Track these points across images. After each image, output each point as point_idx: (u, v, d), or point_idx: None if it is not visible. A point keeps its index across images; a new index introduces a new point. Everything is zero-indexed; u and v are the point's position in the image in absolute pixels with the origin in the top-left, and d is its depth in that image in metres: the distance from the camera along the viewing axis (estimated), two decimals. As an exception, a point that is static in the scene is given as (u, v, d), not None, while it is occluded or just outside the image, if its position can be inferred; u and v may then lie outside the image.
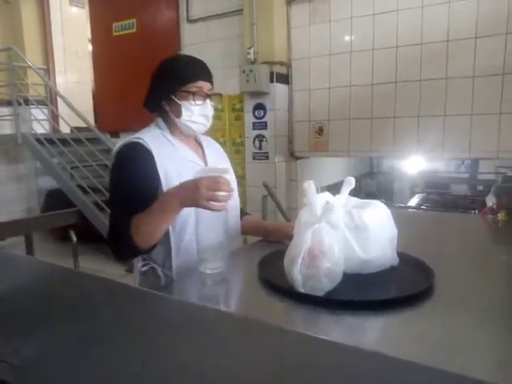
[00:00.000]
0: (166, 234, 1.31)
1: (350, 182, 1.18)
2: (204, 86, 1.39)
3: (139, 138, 1.34)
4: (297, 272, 0.97)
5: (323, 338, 0.60)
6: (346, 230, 1.06)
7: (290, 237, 1.11)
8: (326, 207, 1.01)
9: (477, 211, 3.27)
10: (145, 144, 1.32)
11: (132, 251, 1.27)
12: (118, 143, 1.38)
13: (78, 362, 0.95)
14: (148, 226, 1.22)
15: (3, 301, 1.09)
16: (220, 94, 4.28)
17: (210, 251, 1.14)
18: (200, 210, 1.17)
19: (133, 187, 1.28)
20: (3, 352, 1.07)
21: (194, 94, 1.37)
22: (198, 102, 1.38)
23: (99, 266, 4.14)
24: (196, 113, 1.39)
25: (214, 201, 1.12)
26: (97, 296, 0.89)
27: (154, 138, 1.37)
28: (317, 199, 1.06)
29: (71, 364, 0.96)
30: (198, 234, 1.23)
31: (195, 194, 1.12)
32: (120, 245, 1.27)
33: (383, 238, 1.09)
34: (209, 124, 1.44)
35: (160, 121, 1.45)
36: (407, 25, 3.46)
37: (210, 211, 1.14)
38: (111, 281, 0.84)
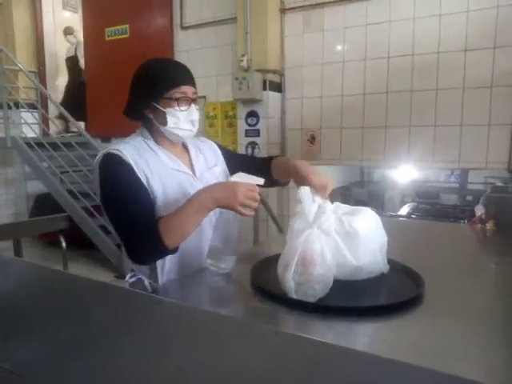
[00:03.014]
0: None
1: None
2: (187, 90, 1.34)
3: (117, 150, 1.29)
4: (290, 278, 0.97)
5: (318, 339, 0.60)
6: (336, 236, 1.06)
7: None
8: (318, 212, 1.02)
9: (466, 221, 3.31)
10: (122, 156, 1.28)
11: (160, 253, 1.24)
12: (98, 155, 1.33)
13: (71, 365, 0.94)
14: (181, 225, 1.22)
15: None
16: (204, 97, 4.30)
17: (221, 251, 1.24)
18: (220, 211, 1.27)
19: (132, 194, 1.25)
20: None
21: (178, 99, 1.32)
22: (183, 108, 1.33)
23: (88, 272, 4.10)
24: (182, 119, 1.34)
25: (247, 206, 1.19)
26: (90, 299, 0.88)
27: (134, 148, 1.33)
28: (311, 205, 1.07)
29: (65, 367, 0.95)
30: (213, 235, 1.37)
31: (232, 197, 1.18)
32: (149, 250, 1.23)
33: (373, 245, 1.10)
34: (195, 129, 1.39)
35: (144, 129, 1.40)
36: (399, 36, 3.52)
37: (229, 214, 1.22)
38: (105, 284, 0.84)
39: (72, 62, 6.27)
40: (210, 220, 1.37)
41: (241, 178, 1.25)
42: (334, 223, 1.08)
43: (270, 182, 1.50)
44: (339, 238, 1.06)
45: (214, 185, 1.25)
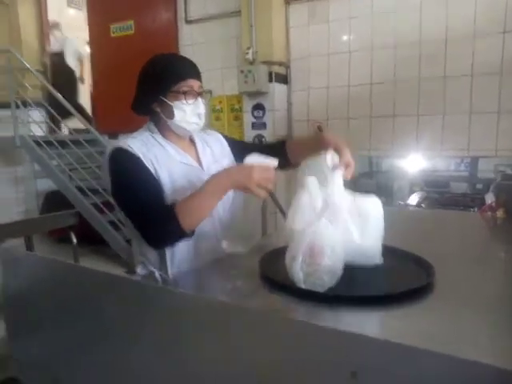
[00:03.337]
0: None
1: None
2: (194, 84, 1.36)
3: (125, 144, 1.32)
4: (298, 269, 0.97)
5: (330, 326, 0.60)
6: (346, 213, 1.07)
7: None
8: (326, 204, 1.02)
9: (476, 209, 3.28)
10: (130, 150, 1.30)
11: (177, 235, 1.25)
12: (107, 150, 1.35)
13: (83, 357, 0.95)
14: (198, 207, 1.23)
15: (11, 299, 1.09)
16: (210, 91, 4.29)
17: (237, 233, 1.27)
18: (233, 196, 1.31)
19: (144, 182, 1.28)
20: (12, 349, 1.07)
21: (185, 93, 1.34)
22: (190, 102, 1.35)
23: (99, 268, 4.12)
24: (189, 112, 1.36)
25: (262, 187, 1.19)
26: (102, 292, 0.89)
27: (142, 142, 1.35)
28: (318, 195, 1.07)
29: (79, 359, 0.96)
30: (227, 217, 1.41)
31: (248, 178, 1.19)
32: (167, 233, 1.24)
33: (377, 228, 1.11)
34: (202, 122, 1.41)
35: (151, 124, 1.42)
36: (405, 24, 3.47)
37: (243, 195, 1.23)
38: (116, 276, 0.85)
39: (59, 58, 6.00)
40: (223, 204, 1.38)
41: (255, 159, 1.26)
42: (346, 201, 1.10)
43: (284, 166, 1.52)
44: (347, 214, 1.07)
45: (231, 167, 1.29)
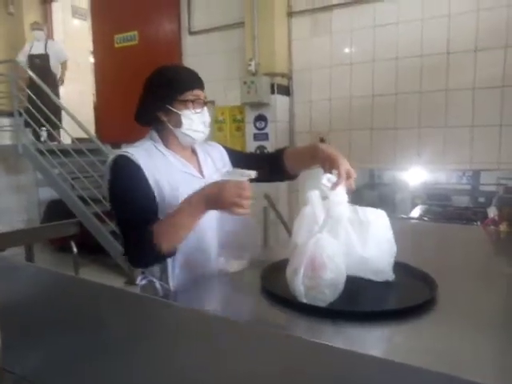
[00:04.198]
0: None
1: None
2: (200, 93, 1.39)
3: (127, 152, 1.32)
4: (299, 283, 0.96)
5: (330, 344, 0.59)
6: (348, 224, 1.07)
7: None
8: (328, 216, 1.01)
9: (479, 222, 3.26)
10: (132, 157, 1.30)
11: (157, 257, 1.24)
12: (110, 157, 1.36)
13: (82, 370, 0.94)
14: (174, 229, 1.21)
15: (7, 309, 1.08)
16: (213, 102, 4.31)
17: (233, 250, 1.16)
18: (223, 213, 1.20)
19: (137, 197, 1.27)
20: (6, 361, 1.06)
21: (192, 102, 1.36)
22: (198, 110, 1.38)
23: (99, 277, 4.11)
24: (196, 121, 1.37)
25: (238, 206, 1.12)
26: (102, 304, 0.88)
27: (144, 151, 1.35)
28: (320, 209, 1.06)
29: (76, 373, 0.95)
30: (221, 236, 1.33)
31: (220, 197, 1.14)
32: (143, 253, 1.24)
33: (383, 242, 1.09)
34: (207, 131, 1.43)
35: (154, 134, 1.43)
36: (407, 37, 3.50)
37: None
38: (116, 289, 0.84)
39: (42, 60, 5.67)
40: (215, 218, 1.37)
41: (231, 174, 1.23)
42: (348, 212, 1.09)
43: (283, 176, 1.54)
44: (350, 225, 1.06)
45: (204, 186, 1.22)
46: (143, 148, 1.37)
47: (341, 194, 1.12)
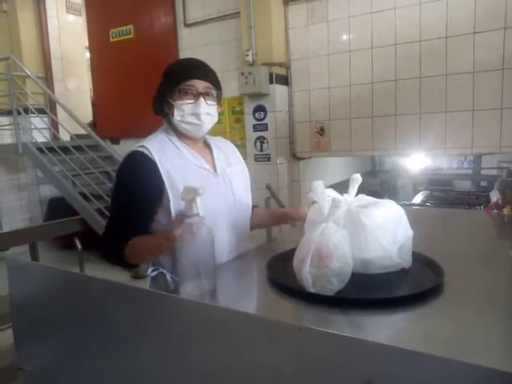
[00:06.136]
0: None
1: (357, 180, 1.17)
2: (198, 84, 1.36)
3: (143, 147, 1.33)
4: (306, 272, 0.96)
5: (341, 333, 0.59)
6: (344, 229, 1.05)
7: (295, 220, 1.43)
8: (333, 206, 1.01)
9: (482, 207, 3.26)
10: (148, 153, 1.32)
11: (123, 264, 1.36)
12: (127, 151, 1.39)
13: (91, 366, 0.94)
14: (137, 256, 1.32)
15: (17, 308, 1.09)
16: (220, 92, 4.27)
17: (199, 274, 1.05)
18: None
19: (132, 201, 1.31)
20: (18, 359, 1.06)
21: (185, 92, 1.36)
22: (188, 101, 1.35)
23: (104, 273, 4.11)
24: (187, 112, 1.36)
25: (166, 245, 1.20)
26: (108, 300, 0.88)
27: (159, 145, 1.36)
28: (325, 199, 1.06)
29: (84, 369, 0.95)
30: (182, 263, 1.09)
31: (158, 246, 1.26)
32: (112, 254, 1.36)
33: (386, 238, 1.07)
34: (202, 123, 1.39)
35: (167, 126, 1.45)
36: (405, 22, 3.46)
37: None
38: (122, 284, 0.84)
39: None
40: (228, 212, 1.42)
41: (183, 192, 1.08)
42: (344, 215, 1.08)
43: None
44: (346, 230, 1.04)
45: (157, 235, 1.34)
46: (156, 140, 1.39)
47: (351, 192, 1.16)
